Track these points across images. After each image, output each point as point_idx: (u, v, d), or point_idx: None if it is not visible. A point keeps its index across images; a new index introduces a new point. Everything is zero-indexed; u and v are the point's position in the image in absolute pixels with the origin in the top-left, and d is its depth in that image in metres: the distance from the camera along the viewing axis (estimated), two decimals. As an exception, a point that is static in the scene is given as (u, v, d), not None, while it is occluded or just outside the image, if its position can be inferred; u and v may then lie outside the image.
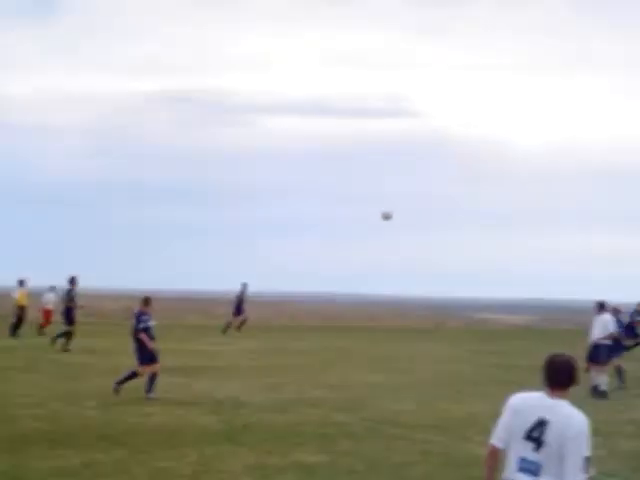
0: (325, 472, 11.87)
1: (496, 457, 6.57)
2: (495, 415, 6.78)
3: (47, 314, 37.99)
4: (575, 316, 69.66)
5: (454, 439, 14.51)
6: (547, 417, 6.30)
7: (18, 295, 35.41)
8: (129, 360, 19.22)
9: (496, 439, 6.52)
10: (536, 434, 6.31)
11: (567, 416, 6.27)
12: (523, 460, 6.34)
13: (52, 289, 38.99)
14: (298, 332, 43.71)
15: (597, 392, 20.77)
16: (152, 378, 18.29)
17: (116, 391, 18.31)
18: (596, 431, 15.53)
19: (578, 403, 6.46)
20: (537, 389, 6.64)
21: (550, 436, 6.25)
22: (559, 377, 6.49)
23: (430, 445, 13.95)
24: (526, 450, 6.33)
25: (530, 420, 6.36)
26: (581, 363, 20.21)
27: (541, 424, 6.31)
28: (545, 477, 6.24)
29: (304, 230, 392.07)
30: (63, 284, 30.64)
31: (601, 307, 22.16)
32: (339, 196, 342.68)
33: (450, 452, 13.39)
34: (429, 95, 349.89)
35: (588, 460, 6.20)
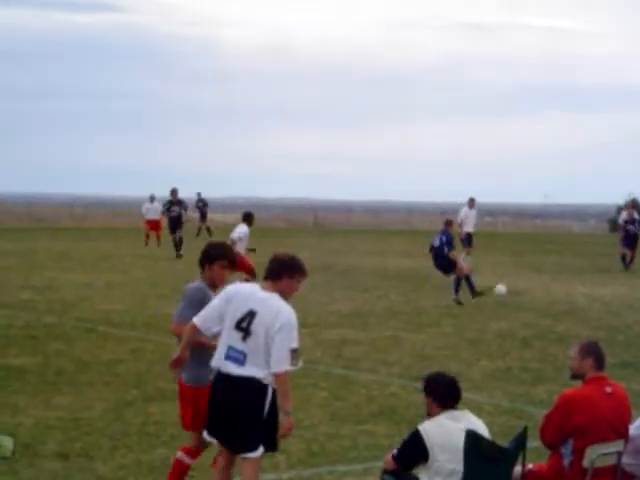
0: (34, 374, 11.65)
1: (194, 333, 6.67)
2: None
3: None
4: (288, 214, 71.77)
5: (166, 337, 14.59)
6: (256, 308, 6.47)
7: None
8: None
9: (198, 318, 6.65)
10: (245, 324, 6.47)
11: (275, 308, 6.45)
12: (230, 348, 6.49)
13: None
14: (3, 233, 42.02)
15: None
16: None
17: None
18: (303, 323, 16.23)
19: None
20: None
21: (257, 327, 6.43)
22: (270, 270, 6.66)
23: (142, 343, 14.03)
24: (234, 339, 6.49)
25: (241, 310, 6.50)
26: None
27: (250, 315, 6.47)
28: (250, 366, 6.44)
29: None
30: None
31: None
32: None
33: (161, 350, 13.50)
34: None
35: (295, 352, 6.43)
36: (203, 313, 6.66)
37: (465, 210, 28.12)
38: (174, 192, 31.47)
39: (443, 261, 19.84)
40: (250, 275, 18.38)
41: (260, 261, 6.99)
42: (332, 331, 15.55)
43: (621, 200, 61.55)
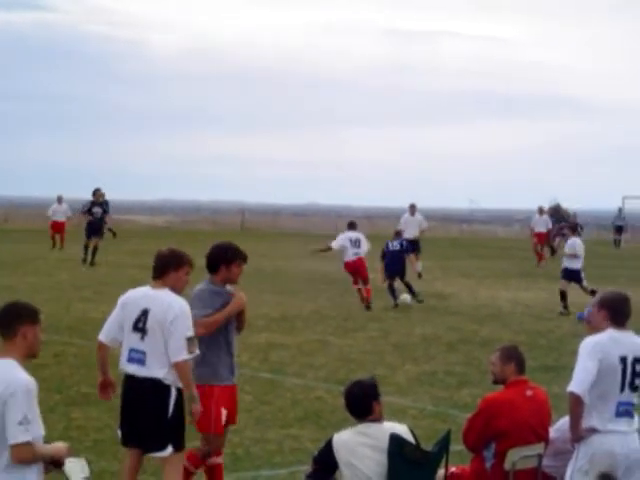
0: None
1: (104, 350, 6.84)
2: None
3: None
4: (216, 217, 71.53)
5: (90, 340, 14.43)
6: (149, 306, 6.61)
7: None
8: None
9: (102, 334, 6.80)
10: (140, 324, 6.60)
11: (166, 303, 6.58)
12: (132, 350, 6.65)
13: None
14: None
15: None
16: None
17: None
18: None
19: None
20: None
21: (152, 324, 6.56)
22: (155, 268, 6.78)
23: (65, 347, 13.87)
24: (134, 341, 6.64)
25: (135, 312, 6.64)
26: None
27: (144, 314, 6.60)
28: (151, 366, 6.53)
29: None
30: None
31: None
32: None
33: (84, 353, 13.37)
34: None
35: (191, 340, 6.56)
36: (105, 327, 6.82)
37: (406, 217, 27.64)
38: (97, 193, 29.94)
39: (399, 265, 20.06)
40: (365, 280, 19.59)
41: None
42: (259, 335, 15.53)
43: (540, 205, 62.16)
